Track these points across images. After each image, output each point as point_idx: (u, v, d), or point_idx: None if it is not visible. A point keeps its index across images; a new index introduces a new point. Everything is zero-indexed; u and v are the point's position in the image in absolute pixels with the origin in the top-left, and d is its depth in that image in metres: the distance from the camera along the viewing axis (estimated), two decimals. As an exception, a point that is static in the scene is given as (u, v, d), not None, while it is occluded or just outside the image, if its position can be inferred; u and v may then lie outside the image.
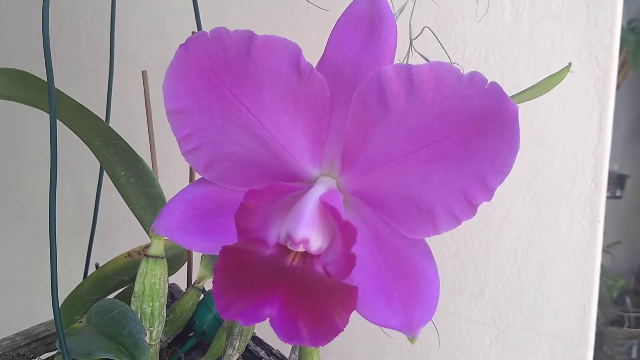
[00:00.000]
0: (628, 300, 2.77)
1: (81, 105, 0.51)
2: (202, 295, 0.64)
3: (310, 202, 0.34)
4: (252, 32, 0.33)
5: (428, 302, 0.34)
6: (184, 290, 0.70)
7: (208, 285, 0.65)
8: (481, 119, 0.31)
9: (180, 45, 0.34)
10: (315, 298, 0.32)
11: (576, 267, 0.87)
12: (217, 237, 0.37)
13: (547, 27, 0.84)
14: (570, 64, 0.52)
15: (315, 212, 0.33)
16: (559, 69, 0.51)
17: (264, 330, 0.61)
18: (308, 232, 0.33)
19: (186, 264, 0.68)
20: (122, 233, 1.11)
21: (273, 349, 0.65)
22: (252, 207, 0.33)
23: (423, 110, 0.32)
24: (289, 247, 0.33)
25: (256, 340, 0.64)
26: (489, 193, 0.32)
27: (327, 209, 0.33)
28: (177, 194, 0.38)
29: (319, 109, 0.35)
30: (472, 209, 0.33)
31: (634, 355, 2.64)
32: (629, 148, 2.83)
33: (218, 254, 0.36)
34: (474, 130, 0.31)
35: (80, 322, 0.62)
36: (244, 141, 0.36)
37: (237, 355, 0.55)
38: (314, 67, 0.34)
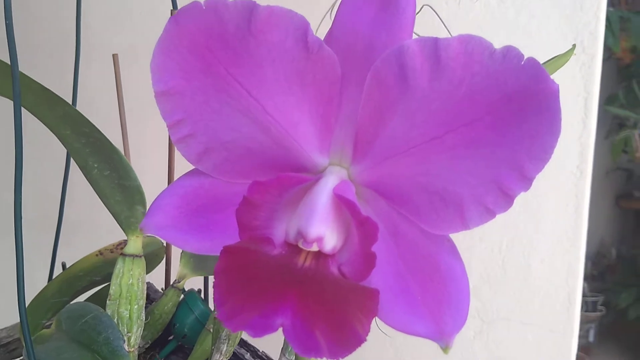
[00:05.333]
0: (585, 285, 2.83)
1: (48, 90, 0.46)
2: (182, 296, 0.59)
3: (323, 195, 0.30)
4: (254, 2, 0.29)
5: (459, 306, 0.31)
6: (161, 290, 0.65)
7: (188, 284, 0.61)
8: (516, 99, 0.28)
9: (171, 17, 0.30)
10: (332, 303, 0.28)
11: (561, 256, 0.86)
12: (214, 236, 0.33)
13: (533, 11, 0.82)
14: (574, 45, 0.50)
15: (328, 207, 0.30)
16: (565, 51, 0.48)
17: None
18: (322, 229, 0.29)
19: (164, 262, 0.63)
20: (87, 231, 1.05)
21: (258, 350, 0.61)
22: (257, 202, 0.29)
23: (450, 90, 0.29)
24: (300, 246, 0.29)
25: (240, 342, 0.60)
26: (526, 182, 0.29)
27: (343, 203, 0.29)
28: (167, 188, 0.34)
29: (328, 90, 0.31)
30: (507, 201, 0.29)
31: (591, 338, 2.70)
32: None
33: (214, 254, 0.32)
34: (508, 112, 0.28)
35: (47, 326, 0.58)
36: (242, 127, 0.32)
37: (225, 360, 0.51)
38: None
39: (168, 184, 0.62)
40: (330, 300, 0.29)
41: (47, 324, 0.59)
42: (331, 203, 0.30)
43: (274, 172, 0.30)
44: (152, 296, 0.65)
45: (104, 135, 0.48)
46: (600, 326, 2.76)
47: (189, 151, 0.33)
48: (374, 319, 0.28)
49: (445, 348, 0.30)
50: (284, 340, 0.54)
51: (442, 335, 0.30)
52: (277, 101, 0.31)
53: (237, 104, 0.31)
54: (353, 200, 0.29)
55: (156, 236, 0.33)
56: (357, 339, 0.28)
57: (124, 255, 0.50)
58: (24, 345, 0.49)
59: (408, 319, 0.31)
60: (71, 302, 0.59)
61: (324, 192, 0.30)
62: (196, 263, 0.59)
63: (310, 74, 0.30)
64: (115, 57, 0.60)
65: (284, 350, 0.53)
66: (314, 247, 0.29)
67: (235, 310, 0.29)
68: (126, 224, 0.51)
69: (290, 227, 0.30)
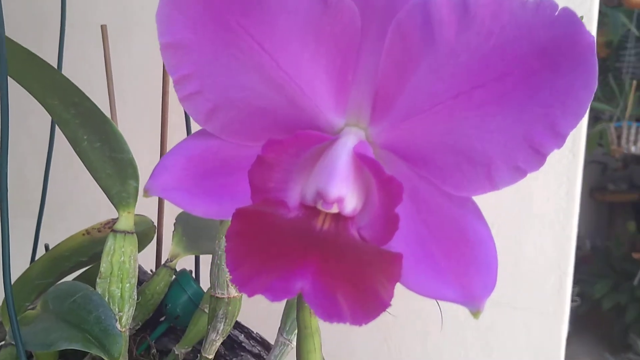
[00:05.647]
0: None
1: (36, 55, 0.44)
2: (173, 276, 0.57)
3: (343, 155, 0.28)
4: (269, -53, 0.28)
5: (487, 269, 0.29)
6: (150, 272, 0.63)
7: (181, 264, 0.58)
8: (549, 52, 0.26)
9: (180, -36, 0.28)
10: (354, 267, 0.27)
11: (552, 239, 0.86)
12: (223, 200, 0.31)
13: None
14: (582, 17, 0.48)
15: (348, 166, 0.28)
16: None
17: (242, 312, 0.55)
18: (343, 189, 0.27)
19: (154, 242, 0.61)
20: (69, 213, 1.02)
21: (253, 332, 0.59)
22: (272, 162, 0.28)
23: (478, 43, 0.27)
24: (319, 208, 0.28)
25: (235, 324, 0.58)
26: (559, 139, 0.27)
27: (364, 162, 0.27)
28: (172, 149, 0.32)
29: (347, 44, 0.29)
30: (539, 159, 0.28)
31: (566, 328, 2.74)
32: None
33: (223, 218, 0.30)
34: (541, 66, 0.26)
35: (31, 308, 0.55)
36: (253, 84, 0.30)
37: (221, 340, 0.49)
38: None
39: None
40: (352, 264, 0.27)
41: (31, 307, 0.56)
42: (351, 163, 0.28)
43: (286, 134, 0.28)
44: (140, 278, 0.62)
45: (95, 105, 0.46)
46: (575, 316, 2.80)
47: (196, 109, 0.31)
48: (397, 283, 0.27)
49: (475, 313, 0.29)
50: (281, 319, 0.52)
51: (472, 300, 0.29)
52: (290, 57, 0.29)
53: (249, 58, 0.29)
54: (375, 158, 0.27)
55: (163, 198, 0.31)
56: (381, 304, 0.26)
57: (114, 231, 0.48)
58: (10, 326, 0.47)
59: (435, 285, 0.29)
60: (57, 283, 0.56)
61: (343, 152, 0.28)
62: (189, 242, 0.57)
63: (328, 27, 0.29)
64: (103, 27, 0.57)
65: (281, 330, 0.52)
66: (334, 209, 0.27)
67: (251, 274, 0.27)
68: (117, 199, 0.49)
69: (307, 188, 0.28)
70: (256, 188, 0.28)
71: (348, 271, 0.27)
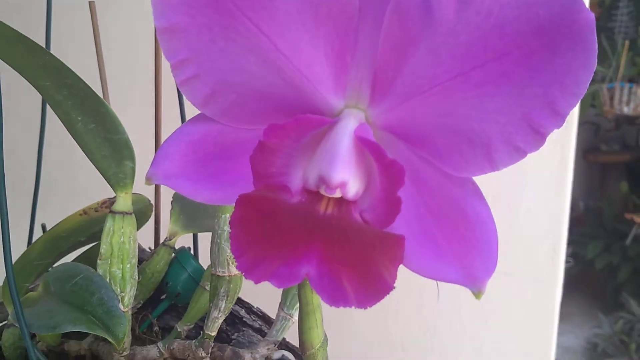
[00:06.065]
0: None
1: (26, 37, 0.43)
2: (173, 254, 0.57)
3: (344, 138, 0.28)
4: None
5: (488, 250, 0.30)
6: (149, 250, 0.63)
7: (180, 242, 0.59)
8: (548, 31, 0.26)
9: (173, -53, 0.27)
10: (357, 251, 0.27)
11: (546, 206, 0.86)
12: (225, 186, 0.31)
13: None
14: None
15: (350, 150, 0.28)
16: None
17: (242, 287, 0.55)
18: (346, 174, 0.27)
19: (152, 220, 0.61)
20: (62, 192, 1.01)
21: (253, 307, 0.60)
22: (274, 146, 0.28)
23: (477, 22, 0.27)
24: (322, 193, 0.28)
25: (235, 299, 0.59)
26: (559, 119, 0.27)
27: (366, 146, 0.27)
28: (171, 134, 0.32)
29: (345, 25, 0.29)
30: (539, 139, 0.28)
31: (559, 288, 2.78)
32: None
33: (227, 204, 0.30)
34: (540, 45, 0.26)
35: (31, 289, 0.55)
36: (252, 68, 0.30)
37: (223, 317, 0.50)
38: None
39: (155, 139, 0.60)
40: (355, 248, 0.27)
41: (31, 287, 0.56)
42: (353, 146, 0.28)
43: (286, 117, 0.28)
44: (139, 256, 0.63)
45: (89, 86, 0.45)
46: (568, 277, 2.84)
47: (194, 94, 0.30)
48: (400, 265, 0.27)
49: (477, 293, 0.29)
50: (282, 295, 0.53)
51: (474, 281, 0.29)
52: (289, 38, 0.29)
53: (247, 41, 0.29)
54: (376, 142, 0.27)
55: (166, 186, 0.31)
56: (385, 287, 0.27)
57: (113, 212, 0.48)
58: (12, 308, 0.47)
59: (437, 267, 0.30)
60: (57, 264, 0.56)
61: (344, 135, 0.28)
62: (186, 220, 0.57)
63: (326, 7, 0.28)
64: (92, 4, 0.56)
65: (282, 305, 0.52)
66: (337, 193, 0.27)
67: (257, 260, 0.27)
68: (114, 180, 0.48)
69: (309, 173, 0.28)
70: (258, 173, 0.28)
71: (352, 255, 0.27)
